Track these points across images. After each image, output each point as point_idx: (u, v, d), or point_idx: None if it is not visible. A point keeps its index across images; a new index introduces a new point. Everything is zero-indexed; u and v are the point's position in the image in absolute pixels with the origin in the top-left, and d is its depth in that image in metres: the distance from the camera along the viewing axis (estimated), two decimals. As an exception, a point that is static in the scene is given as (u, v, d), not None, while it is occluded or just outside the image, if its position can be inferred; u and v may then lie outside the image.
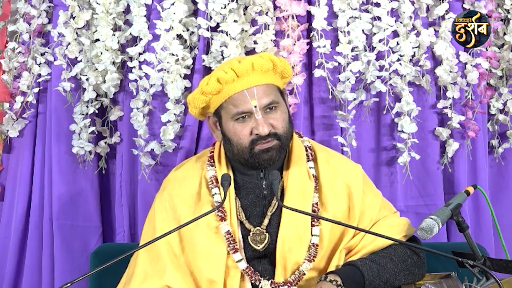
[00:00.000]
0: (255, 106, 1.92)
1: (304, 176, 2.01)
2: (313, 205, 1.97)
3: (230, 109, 1.95)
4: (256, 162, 1.95)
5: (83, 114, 2.56)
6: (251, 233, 1.96)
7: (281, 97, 2.00)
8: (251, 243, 1.95)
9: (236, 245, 1.93)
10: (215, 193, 1.98)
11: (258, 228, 1.96)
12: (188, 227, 1.86)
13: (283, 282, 1.92)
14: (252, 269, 1.93)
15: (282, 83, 2.05)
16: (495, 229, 2.27)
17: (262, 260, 1.96)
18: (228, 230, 1.94)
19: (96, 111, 2.58)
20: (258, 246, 1.95)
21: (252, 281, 1.93)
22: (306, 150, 2.07)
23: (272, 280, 1.92)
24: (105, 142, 2.60)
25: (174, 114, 2.47)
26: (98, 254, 2.37)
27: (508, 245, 2.19)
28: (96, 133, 2.59)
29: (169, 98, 2.46)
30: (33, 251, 2.65)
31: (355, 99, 2.46)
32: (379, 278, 1.86)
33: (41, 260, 2.64)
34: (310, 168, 2.03)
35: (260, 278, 1.93)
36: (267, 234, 1.96)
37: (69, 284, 1.57)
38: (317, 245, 1.94)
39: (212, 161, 2.04)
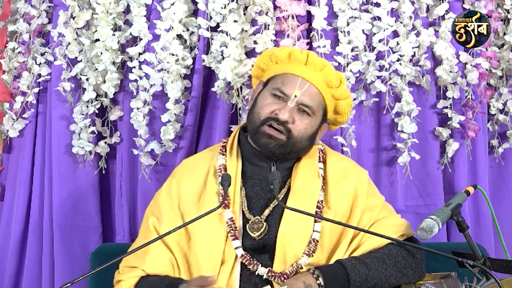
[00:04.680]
0: (295, 96, 1.96)
1: (312, 175, 2.03)
2: (317, 202, 1.99)
3: (277, 83, 2.01)
4: (257, 140, 1.99)
5: (83, 114, 2.56)
6: (249, 222, 1.98)
7: (320, 116, 2.02)
8: (248, 230, 1.96)
9: (237, 232, 1.95)
10: None
11: (257, 217, 1.98)
12: (189, 214, 1.95)
13: (280, 272, 1.92)
14: (250, 256, 1.93)
15: (333, 116, 2.08)
16: (495, 229, 2.27)
17: (261, 253, 1.96)
18: (231, 217, 1.95)
19: (96, 111, 2.58)
20: (254, 234, 1.95)
21: (250, 268, 1.93)
22: (319, 153, 2.09)
23: (270, 268, 1.93)
24: (105, 142, 2.60)
25: (174, 114, 2.47)
26: (98, 254, 2.36)
27: (508, 245, 2.19)
28: (96, 133, 2.58)
29: (169, 98, 2.46)
30: (33, 251, 2.65)
31: (355, 99, 2.46)
32: (366, 283, 1.87)
33: (41, 260, 2.64)
34: (320, 168, 2.05)
35: (258, 264, 1.93)
36: (264, 223, 1.97)
37: (69, 284, 1.57)
38: (317, 241, 1.95)
39: (224, 150, 2.08)
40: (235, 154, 2.05)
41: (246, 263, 1.93)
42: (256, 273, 1.93)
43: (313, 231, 1.96)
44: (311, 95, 1.99)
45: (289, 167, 2.05)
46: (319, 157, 2.08)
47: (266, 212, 1.99)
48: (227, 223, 1.95)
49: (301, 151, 2.02)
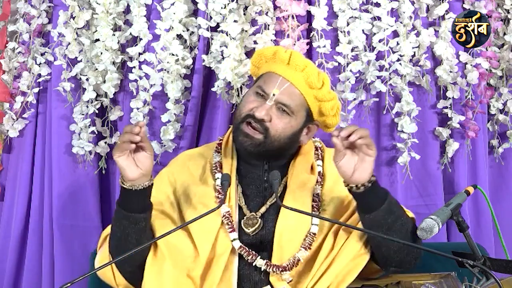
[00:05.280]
0: (273, 94, 1.97)
1: (307, 171, 2.04)
2: (314, 196, 2.00)
3: (261, 81, 2.03)
4: (236, 138, 2.00)
5: (83, 114, 2.56)
6: (245, 217, 1.99)
7: (303, 117, 2.01)
8: (243, 226, 1.97)
9: (233, 225, 1.96)
10: (218, 178, 2.02)
11: (253, 213, 1.99)
12: (185, 211, 1.98)
13: (278, 265, 1.93)
14: (247, 248, 1.94)
15: (320, 118, 2.05)
16: (495, 229, 2.28)
17: (258, 248, 1.96)
18: (228, 211, 1.96)
19: (96, 111, 2.58)
20: (249, 229, 1.96)
21: (249, 258, 1.93)
22: (316, 150, 2.10)
23: (267, 260, 1.93)
24: (105, 142, 2.60)
25: (174, 114, 2.47)
26: (98, 254, 2.36)
27: (508, 245, 2.19)
28: (96, 133, 2.59)
29: (169, 98, 2.46)
30: (33, 251, 2.65)
31: (355, 99, 2.46)
32: (391, 212, 1.88)
33: (41, 260, 2.64)
34: (317, 165, 2.06)
35: (256, 254, 1.93)
36: (259, 219, 1.98)
37: (69, 284, 1.56)
38: (314, 234, 1.95)
39: (219, 148, 2.09)
40: (229, 152, 2.06)
41: (244, 254, 1.93)
42: (254, 264, 1.93)
43: (312, 224, 1.96)
44: (290, 95, 1.98)
45: (283, 164, 2.05)
46: (318, 155, 2.09)
47: (263, 209, 2.00)
48: (224, 215, 1.96)
49: (282, 149, 2.01)
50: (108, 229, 2.02)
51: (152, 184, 1.91)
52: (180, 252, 1.94)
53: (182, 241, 1.95)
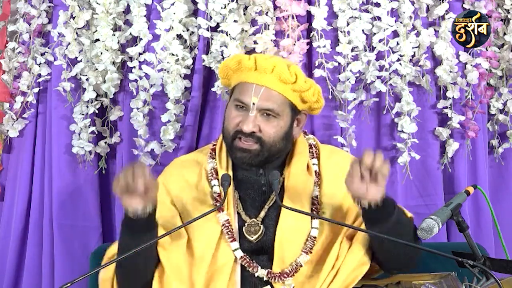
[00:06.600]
0: (253, 104, 1.95)
1: (304, 171, 2.03)
2: (313, 199, 2.00)
3: (236, 93, 2.01)
4: (233, 155, 2.00)
5: (83, 114, 2.55)
6: (246, 224, 1.98)
7: (288, 113, 2.00)
8: (245, 233, 1.97)
9: (234, 234, 1.95)
10: (214, 185, 2.01)
11: (253, 219, 1.98)
12: (184, 217, 1.98)
13: (279, 272, 1.92)
14: (249, 258, 1.94)
15: (304, 106, 2.04)
16: (495, 229, 2.27)
17: (259, 254, 1.96)
18: (227, 219, 1.95)
19: (96, 111, 2.58)
20: (252, 237, 1.96)
21: (250, 270, 1.93)
22: (310, 147, 2.09)
23: (269, 270, 1.93)
24: (105, 142, 2.60)
25: (174, 114, 2.47)
26: (98, 254, 2.36)
27: (508, 245, 2.19)
28: (96, 133, 2.58)
29: (169, 98, 2.46)
30: (33, 251, 2.65)
31: (355, 99, 2.46)
32: (398, 223, 1.89)
33: (41, 260, 2.64)
34: (313, 164, 2.05)
35: (257, 266, 1.93)
36: (261, 226, 1.97)
37: (69, 284, 1.57)
38: (315, 238, 1.95)
39: (213, 153, 2.08)
40: (224, 158, 2.05)
41: (245, 265, 1.93)
42: (256, 275, 1.93)
43: (311, 227, 1.96)
44: (269, 98, 1.97)
45: (279, 165, 2.04)
46: (313, 153, 2.08)
47: (262, 214, 1.99)
48: (224, 224, 1.95)
49: (279, 152, 2.01)
50: (112, 249, 2.02)
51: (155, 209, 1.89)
52: (182, 271, 1.94)
53: (184, 262, 1.95)
